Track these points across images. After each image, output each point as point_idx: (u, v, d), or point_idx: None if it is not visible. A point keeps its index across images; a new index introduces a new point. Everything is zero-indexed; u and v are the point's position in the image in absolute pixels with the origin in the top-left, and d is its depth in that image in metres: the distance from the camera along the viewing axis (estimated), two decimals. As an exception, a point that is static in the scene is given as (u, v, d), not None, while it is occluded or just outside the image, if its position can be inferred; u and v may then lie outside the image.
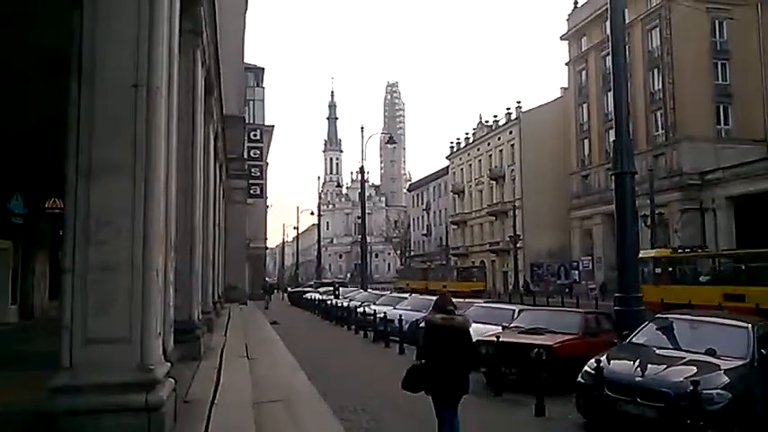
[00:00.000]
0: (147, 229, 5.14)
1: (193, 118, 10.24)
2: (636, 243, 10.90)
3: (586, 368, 7.60)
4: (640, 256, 35.51)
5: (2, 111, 12.79)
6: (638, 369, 7.28)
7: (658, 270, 29.04)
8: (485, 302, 16.91)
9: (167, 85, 5.61)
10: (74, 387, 4.78)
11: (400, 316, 15.94)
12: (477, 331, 11.47)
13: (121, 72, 5.14)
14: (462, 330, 5.96)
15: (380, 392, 8.95)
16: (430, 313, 6.32)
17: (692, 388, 5.63)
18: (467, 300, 18.72)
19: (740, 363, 7.23)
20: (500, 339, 9.96)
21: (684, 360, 7.36)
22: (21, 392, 6.07)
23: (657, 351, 8.02)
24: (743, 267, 24.27)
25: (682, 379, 6.77)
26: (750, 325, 8.08)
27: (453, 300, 6.50)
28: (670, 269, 28.74)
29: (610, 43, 11.19)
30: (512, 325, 11.71)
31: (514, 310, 13.59)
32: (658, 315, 9.32)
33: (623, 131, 10.68)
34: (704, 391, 5.97)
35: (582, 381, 7.58)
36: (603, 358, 7.44)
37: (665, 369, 7.16)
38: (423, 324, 6.74)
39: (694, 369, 6.97)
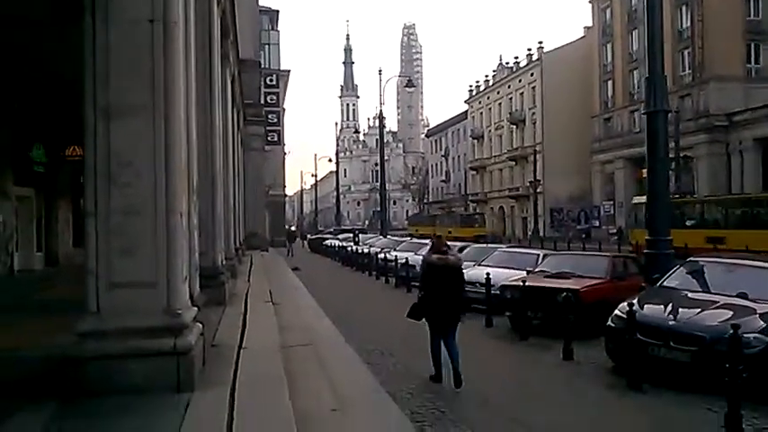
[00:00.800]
0: (170, 171, 4.99)
1: (210, 60, 9.95)
2: (666, 185, 10.54)
3: (617, 312, 7.46)
4: (633, 201, 36.86)
5: (17, 59, 12.60)
6: (671, 313, 7.14)
7: (648, 215, 29.86)
8: (508, 247, 16.79)
9: (184, 21, 5.35)
10: (101, 332, 4.74)
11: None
12: (502, 276, 11.47)
13: (136, 6, 4.90)
14: (455, 267, 7.02)
15: (405, 336, 8.90)
16: (427, 253, 7.34)
17: (731, 332, 5.44)
18: (489, 245, 18.67)
19: (775, 306, 7.03)
20: (526, 284, 9.84)
21: (718, 304, 7.18)
22: (47, 337, 6.09)
23: (690, 295, 7.85)
24: (724, 212, 25.84)
25: (716, 323, 6.63)
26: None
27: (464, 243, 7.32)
28: None
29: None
30: (537, 269, 11.57)
31: (539, 255, 13.46)
32: (690, 258, 9.10)
33: (657, 67, 10.22)
34: (743, 335, 5.79)
35: (612, 324, 7.46)
36: (635, 302, 7.27)
37: (699, 313, 6.99)
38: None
39: (730, 313, 6.80)
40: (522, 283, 9.90)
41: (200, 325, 5.51)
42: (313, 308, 11.11)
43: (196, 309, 5.50)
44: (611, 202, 48.83)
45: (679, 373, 6.71)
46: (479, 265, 13.57)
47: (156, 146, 4.93)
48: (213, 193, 9.86)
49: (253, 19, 34.25)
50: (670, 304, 7.33)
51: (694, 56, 40.40)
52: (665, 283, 8.45)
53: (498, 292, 10.70)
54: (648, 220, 10.52)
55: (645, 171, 39.72)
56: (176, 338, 4.80)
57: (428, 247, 7.90)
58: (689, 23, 40.78)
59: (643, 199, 34.03)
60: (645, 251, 10.15)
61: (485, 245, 20.67)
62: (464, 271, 11.98)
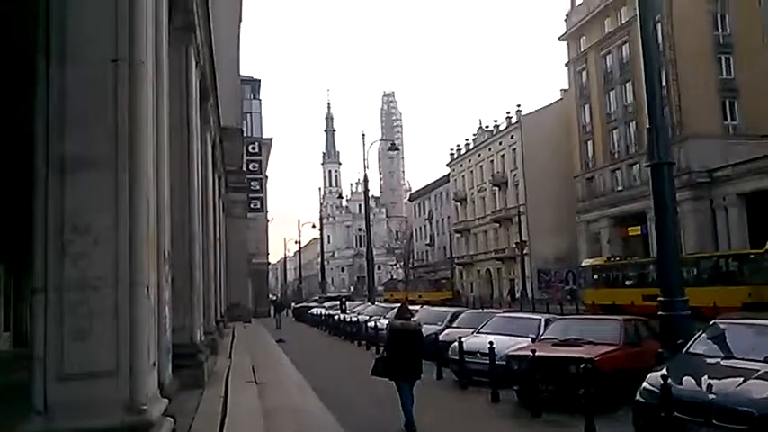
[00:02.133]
0: (134, 238, 4.20)
1: (188, 122, 9.32)
2: (675, 241, 9.91)
3: (646, 385, 6.64)
4: (582, 264, 38.32)
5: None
6: (708, 384, 6.31)
7: (595, 276, 34.62)
8: (504, 312, 15.96)
9: (154, 63, 4.70)
10: (48, 435, 3.84)
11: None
12: (505, 345, 10.58)
13: (98, 44, 4.23)
14: (415, 331, 8.08)
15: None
16: (392, 319, 8.56)
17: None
18: (486, 310, 17.88)
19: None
20: (536, 354, 8.98)
21: (760, 372, 6.39)
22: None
23: (723, 363, 7.05)
24: (655, 271, 27.87)
25: (765, 396, 5.83)
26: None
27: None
28: (604, 275, 33.89)
29: (638, 23, 10.37)
30: (543, 336, 10.76)
31: (540, 320, 12.62)
32: (714, 321, 8.36)
33: (657, 120, 9.77)
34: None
35: (642, 399, 6.62)
36: (665, 372, 6.46)
37: (742, 384, 6.19)
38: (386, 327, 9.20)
39: (776, 383, 6.02)
40: (531, 353, 9.05)
41: (171, 420, 4.61)
42: (301, 386, 10.12)
43: (166, 401, 4.62)
44: (599, 262, 48.38)
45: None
46: (478, 332, 12.70)
47: (118, 207, 4.16)
48: (191, 263, 8.99)
49: (234, 87, 34.18)
50: (705, 374, 6.53)
51: (672, 114, 40.92)
52: (691, 350, 7.66)
53: (504, 362, 9.82)
54: (660, 279, 9.82)
55: (629, 229, 41.08)
56: (140, 441, 3.92)
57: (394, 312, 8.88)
58: (664, 83, 41.52)
59: (591, 261, 36.66)
60: (659, 313, 9.38)
61: (480, 310, 19.84)
62: (463, 340, 11.35)
